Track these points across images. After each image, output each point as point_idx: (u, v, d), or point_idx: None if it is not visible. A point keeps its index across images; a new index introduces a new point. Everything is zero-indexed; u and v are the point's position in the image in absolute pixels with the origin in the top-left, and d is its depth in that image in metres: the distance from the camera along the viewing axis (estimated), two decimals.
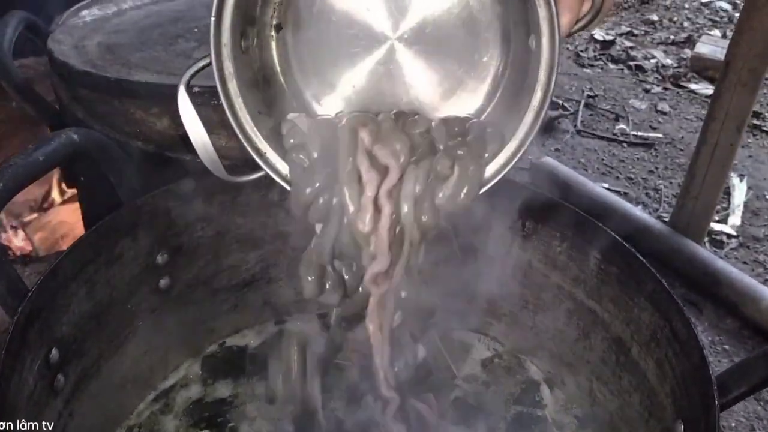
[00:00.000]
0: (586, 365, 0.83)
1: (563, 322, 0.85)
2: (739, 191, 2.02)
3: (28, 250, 1.54)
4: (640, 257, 0.74)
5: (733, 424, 1.35)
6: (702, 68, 2.73)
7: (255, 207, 0.87)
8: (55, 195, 1.62)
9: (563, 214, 0.83)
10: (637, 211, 1.83)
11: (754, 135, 2.37)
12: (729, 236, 1.86)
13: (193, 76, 0.62)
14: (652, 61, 2.87)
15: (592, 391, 0.82)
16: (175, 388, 0.84)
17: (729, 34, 2.50)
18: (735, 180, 2.06)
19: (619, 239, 0.77)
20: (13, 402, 0.58)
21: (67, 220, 1.53)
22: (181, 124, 0.99)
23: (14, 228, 1.60)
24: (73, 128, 0.77)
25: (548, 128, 2.32)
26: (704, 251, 1.67)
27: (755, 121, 2.40)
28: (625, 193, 2.03)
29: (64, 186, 1.59)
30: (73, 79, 1.02)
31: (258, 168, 0.62)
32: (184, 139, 0.98)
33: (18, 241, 1.55)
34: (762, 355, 0.62)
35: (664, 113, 2.50)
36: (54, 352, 0.66)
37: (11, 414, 0.57)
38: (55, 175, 1.61)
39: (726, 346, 1.50)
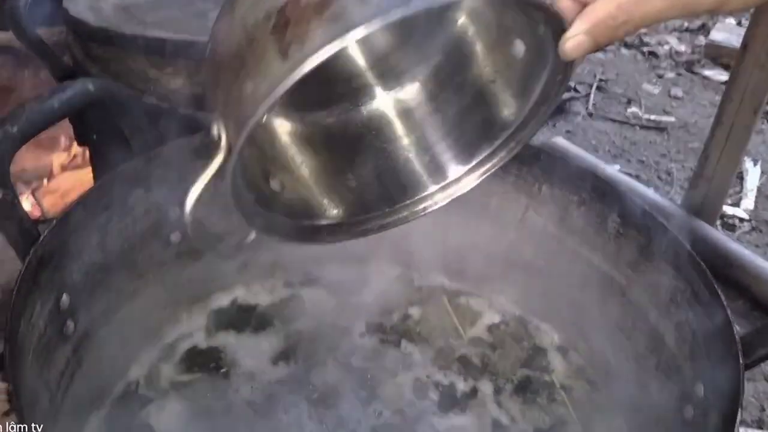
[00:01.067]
0: (601, 330, 0.81)
1: (578, 288, 0.84)
2: (753, 175, 2.00)
3: (36, 216, 1.53)
4: (662, 220, 0.73)
5: (744, 405, 1.33)
6: (716, 55, 2.70)
7: None
8: (65, 161, 1.61)
9: (581, 177, 0.81)
10: (650, 193, 1.81)
11: None
12: (741, 220, 1.84)
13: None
14: (666, 47, 2.83)
15: (605, 357, 0.81)
16: (179, 339, 0.84)
17: (744, 23, 2.46)
18: (749, 164, 2.04)
19: (640, 202, 0.75)
20: (21, 342, 0.57)
21: (77, 185, 1.52)
22: (196, 83, 0.99)
23: (23, 194, 1.59)
24: (89, 78, 0.76)
25: (559, 110, 2.30)
26: (717, 233, 1.65)
27: None
28: (637, 176, 2.01)
29: (75, 150, 1.57)
30: (88, 36, 1.01)
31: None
32: (198, 97, 0.98)
33: (27, 206, 1.54)
34: None
35: (678, 98, 2.47)
36: (65, 297, 0.65)
37: (20, 354, 0.56)
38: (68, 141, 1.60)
39: (737, 327, 1.49)
